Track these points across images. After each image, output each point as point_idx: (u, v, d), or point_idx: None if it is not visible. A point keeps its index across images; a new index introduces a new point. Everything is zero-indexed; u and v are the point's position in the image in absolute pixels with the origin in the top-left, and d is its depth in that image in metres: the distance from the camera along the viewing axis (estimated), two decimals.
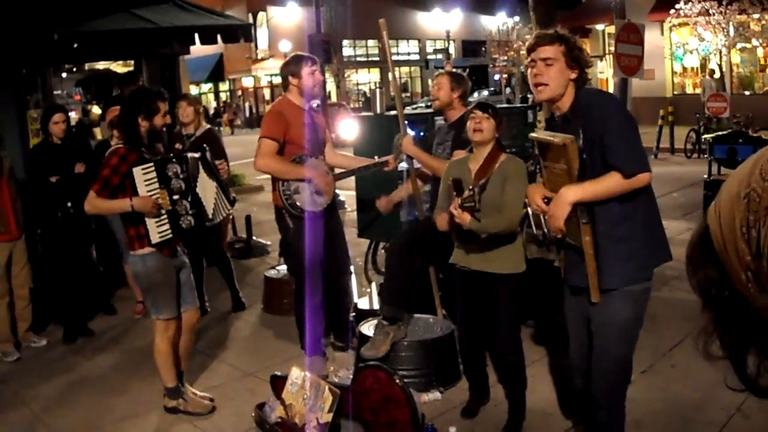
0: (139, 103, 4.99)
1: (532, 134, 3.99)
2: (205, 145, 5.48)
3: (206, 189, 5.15)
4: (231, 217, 9.26)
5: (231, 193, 5.46)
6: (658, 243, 3.60)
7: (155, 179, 4.88)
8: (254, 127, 40.31)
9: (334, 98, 44.52)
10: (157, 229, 4.87)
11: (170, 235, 4.94)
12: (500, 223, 4.43)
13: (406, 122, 6.02)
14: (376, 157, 5.97)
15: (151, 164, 4.88)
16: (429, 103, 9.27)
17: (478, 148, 4.65)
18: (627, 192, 3.36)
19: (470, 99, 5.84)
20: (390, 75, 6.17)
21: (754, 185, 1.13)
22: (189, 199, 5.01)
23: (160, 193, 4.88)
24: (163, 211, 4.90)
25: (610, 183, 3.35)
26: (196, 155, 5.14)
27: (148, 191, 4.84)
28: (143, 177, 4.83)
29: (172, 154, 5.10)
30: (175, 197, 4.95)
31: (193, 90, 36.71)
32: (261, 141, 5.61)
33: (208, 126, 7.81)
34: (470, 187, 4.23)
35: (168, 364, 5.16)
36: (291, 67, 5.80)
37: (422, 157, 5.60)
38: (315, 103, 5.93)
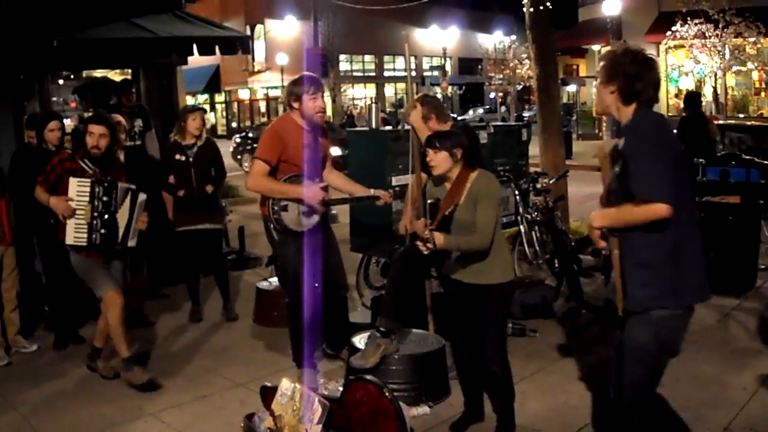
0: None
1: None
2: (143, 186, 6.08)
3: (123, 218, 5.85)
4: (224, 228, 9.28)
5: (131, 238, 5.94)
6: (690, 277, 3.55)
7: (87, 194, 5.67)
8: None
9: (330, 113, 44.37)
10: (73, 234, 5.70)
11: (84, 244, 5.73)
12: (462, 243, 4.63)
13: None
14: (372, 191, 5.82)
15: (88, 180, 5.70)
16: None
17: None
18: (648, 221, 3.37)
19: (464, 117, 5.82)
20: (409, 86, 6.14)
21: None
22: (104, 219, 5.74)
23: (86, 207, 5.67)
24: (83, 222, 5.67)
25: (629, 211, 3.41)
26: (132, 187, 5.88)
27: (77, 201, 5.65)
28: (77, 188, 5.66)
29: (106, 179, 5.81)
30: (95, 214, 5.70)
31: (189, 101, 36.67)
32: (254, 161, 5.68)
33: (207, 137, 7.81)
34: (429, 225, 4.57)
35: (118, 335, 5.87)
36: (293, 88, 5.74)
37: None
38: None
